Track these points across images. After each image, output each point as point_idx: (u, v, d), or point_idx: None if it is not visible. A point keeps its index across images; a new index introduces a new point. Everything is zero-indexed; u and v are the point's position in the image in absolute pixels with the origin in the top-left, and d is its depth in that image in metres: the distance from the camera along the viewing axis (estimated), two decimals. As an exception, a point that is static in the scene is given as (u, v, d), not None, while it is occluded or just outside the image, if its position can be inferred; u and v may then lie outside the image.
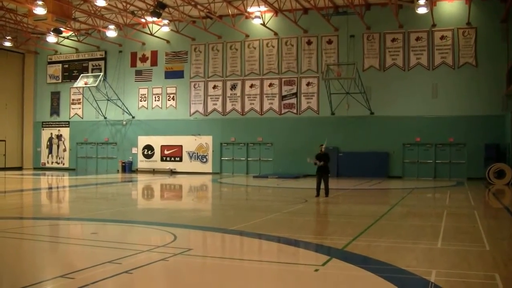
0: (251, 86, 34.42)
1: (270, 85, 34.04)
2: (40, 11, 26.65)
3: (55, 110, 39.55)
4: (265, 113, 33.91)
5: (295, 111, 33.27)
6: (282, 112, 33.44)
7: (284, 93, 33.47)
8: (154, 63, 36.96)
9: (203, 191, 23.24)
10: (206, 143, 35.06)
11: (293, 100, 33.37)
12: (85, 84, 35.34)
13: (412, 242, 9.68)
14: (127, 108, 37.42)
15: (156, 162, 36.56)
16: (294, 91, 33.35)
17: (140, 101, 37.34)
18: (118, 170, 37.06)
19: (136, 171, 36.71)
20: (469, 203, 17.41)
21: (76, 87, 37.07)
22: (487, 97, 30.16)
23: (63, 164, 39.06)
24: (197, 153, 35.38)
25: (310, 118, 32.56)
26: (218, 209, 16.40)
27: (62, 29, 33.13)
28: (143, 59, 36.99)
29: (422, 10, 28.65)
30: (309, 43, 33.37)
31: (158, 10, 28.43)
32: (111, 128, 38.30)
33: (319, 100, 32.75)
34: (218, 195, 20.93)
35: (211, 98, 35.40)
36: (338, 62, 31.41)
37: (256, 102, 34.06)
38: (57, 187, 24.56)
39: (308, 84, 33.41)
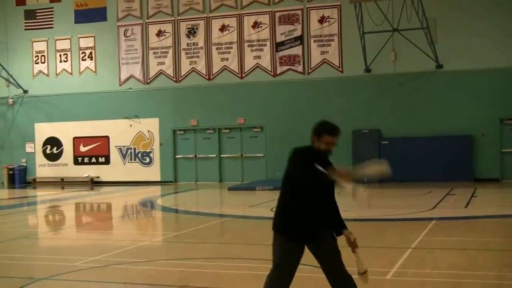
0: (223, 28, 28.76)
1: (255, 25, 28.48)
2: None
3: None
4: (248, 74, 28.67)
5: (300, 69, 27.84)
6: (278, 72, 28.21)
7: (280, 39, 28.26)
8: (56, -4, 32.16)
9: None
10: (149, 131, 29.39)
11: (297, 50, 27.97)
12: None
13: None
14: (13, 77, 31.35)
15: (66, 167, 30.72)
16: (299, 33, 27.88)
17: (36, 63, 31.78)
18: (2, 182, 30.98)
19: (34, 182, 30.83)
20: None
21: None
22: None
23: None
24: (135, 148, 29.71)
25: (328, 80, 27.51)
26: None
27: None
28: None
29: None
30: None
31: None
32: (-12, 111, 33.95)
33: (343, 48, 27.24)
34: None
35: (154, 53, 29.64)
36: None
37: (232, 57, 28.66)
38: None
39: (322, 19, 27.50)
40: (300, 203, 5.18)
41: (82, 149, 30.13)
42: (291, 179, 5.34)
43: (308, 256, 5.52)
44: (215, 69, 27.93)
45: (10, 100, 31.33)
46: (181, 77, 28.48)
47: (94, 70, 30.23)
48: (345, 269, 5.32)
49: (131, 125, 29.16)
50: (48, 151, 30.73)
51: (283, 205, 5.42)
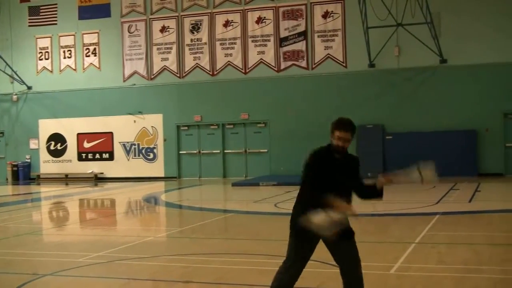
0: (226, 24, 28.30)
1: (259, 20, 27.91)
2: None
3: None
4: (252, 70, 28.21)
5: (304, 64, 27.38)
6: (282, 67, 27.78)
7: (284, 34, 27.77)
8: (59, -7, 31.29)
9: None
10: (153, 127, 29.29)
11: (301, 46, 27.45)
12: None
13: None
14: (17, 74, 30.96)
15: (70, 163, 30.57)
16: (302, 28, 27.42)
17: (40, 59, 31.41)
18: (7, 179, 30.85)
19: (38, 178, 30.66)
20: None
21: None
22: None
23: None
24: (139, 144, 29.54)
25: (333, 75, 27.14)
26: None
27: None
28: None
29: None
30: None
31: None
32: (-8, 107, 33.23)
33: (347, 43, 26.86)
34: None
35: (158, 49, 29.37)
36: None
37: (235, 52, 28.22)
38: None
39: (326, 14, 27.02)
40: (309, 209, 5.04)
41: (86, 145, 29.72)
42: (305, 184, 5.20)
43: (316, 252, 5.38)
44: (219, 65, 27.55)
45: (14, 97, 30.81)
46: (185, 73, 28.09)
47: (98, 66, 29.74)
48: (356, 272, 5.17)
49: (135, 121, 28.72)
50: (52, 147, 30.34)
51: (295, 206, 5.30)
